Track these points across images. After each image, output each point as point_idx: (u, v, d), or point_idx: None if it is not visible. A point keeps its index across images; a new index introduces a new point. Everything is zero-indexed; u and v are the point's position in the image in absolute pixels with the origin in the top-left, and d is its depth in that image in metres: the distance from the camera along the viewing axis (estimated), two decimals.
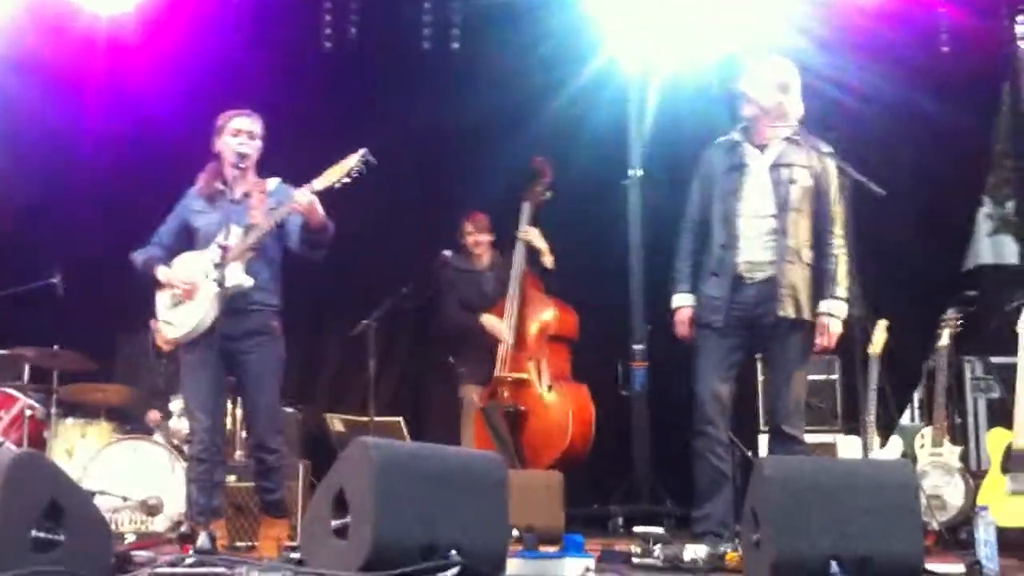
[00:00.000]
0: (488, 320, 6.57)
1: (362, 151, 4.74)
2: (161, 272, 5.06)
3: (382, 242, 7.62)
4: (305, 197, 4.74)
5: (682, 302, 5.16)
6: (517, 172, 6.94)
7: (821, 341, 4.96)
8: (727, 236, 5.00)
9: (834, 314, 4.94)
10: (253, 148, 5.05)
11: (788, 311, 4.91)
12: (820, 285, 4.98)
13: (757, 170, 5.03)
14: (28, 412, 6.35)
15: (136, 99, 7.46)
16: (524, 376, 6.47)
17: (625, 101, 7.62)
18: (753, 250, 4.97)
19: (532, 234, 6.62)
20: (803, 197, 4.98)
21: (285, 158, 5.17)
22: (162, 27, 7.40)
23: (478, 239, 6.75)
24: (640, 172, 7.53)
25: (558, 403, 6.43)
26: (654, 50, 7.49)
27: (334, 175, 4.73)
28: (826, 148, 5.01)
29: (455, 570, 3.36)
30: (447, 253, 6.64)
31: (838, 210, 4.99)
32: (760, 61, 5.20)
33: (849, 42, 7.25)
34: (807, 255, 4.98)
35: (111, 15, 7.40)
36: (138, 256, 5.18)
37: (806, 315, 4.95)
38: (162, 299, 5.11)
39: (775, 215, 4.96)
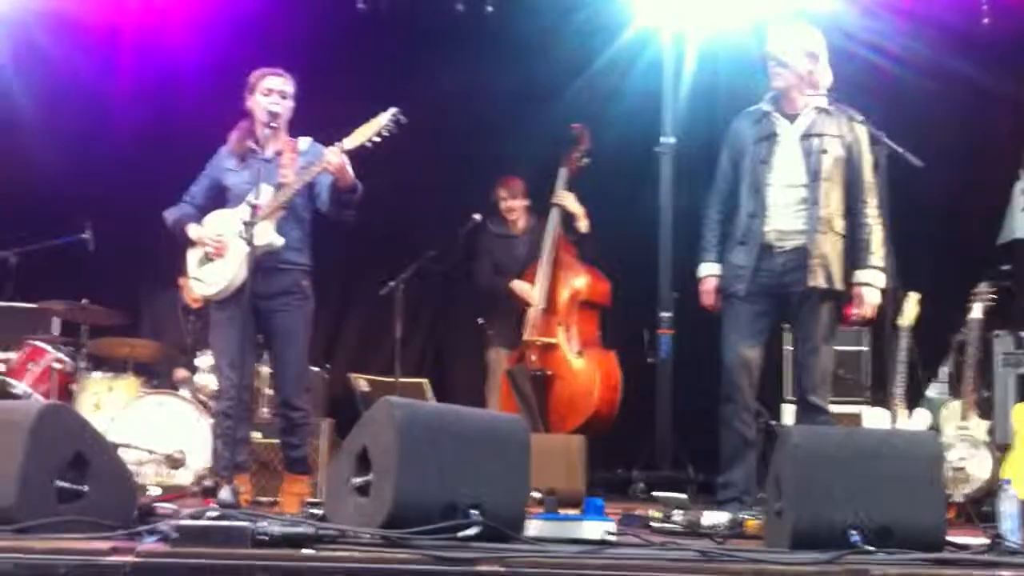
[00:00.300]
0: (518, 285, 6.56)
1: (392, 109, 4.74)
2: (192, 230, 5.08)
3: (411, 204, 7.62)
4: (336, 156, 4.74)
5: (708, 271, 5.14)
6: (551, 138, 6.91)
7: (860, 311, 4.93)
8: (756, 205, 4.96)
9: (872, 284, 4.91)
10: (285, 107, 5.05)
11: (819, 281, 4.87)
12: (852, 256, 4.95)
13: (788, 140, 4.99)
14: (57, 365, 6.40)
15: (168, 56, 7.47)
16: (553, 340, 6.45)
17: (660, 68, 7.55)
18: (782, 219, 4.93)
19: (568, 199, 6.59)
20: (835, 167, 4.93)
21: (317, 117, 5.16)
22: None
23: (512, 204, 6.73)
24: (673, 140, 7.47)
25: (586, 369, 6.41)
26: (690, 17, 7.41)
27: (364, 133, 4.73)
28: (859, 117, 4.95)
29: (476, 529, 3.38)
30: (476, 217, 6.63)
31: (871, 180, 4.94)
32: (788, 27, 5.13)
33: (889, 5, 7.14)
34: (839, 225, 4.94)
35: None
36: (170, 214, 5.20)
37: (837, 285, 4.91)
38: (193, 256, 5.14)
39: (806, 185, 4.92)
